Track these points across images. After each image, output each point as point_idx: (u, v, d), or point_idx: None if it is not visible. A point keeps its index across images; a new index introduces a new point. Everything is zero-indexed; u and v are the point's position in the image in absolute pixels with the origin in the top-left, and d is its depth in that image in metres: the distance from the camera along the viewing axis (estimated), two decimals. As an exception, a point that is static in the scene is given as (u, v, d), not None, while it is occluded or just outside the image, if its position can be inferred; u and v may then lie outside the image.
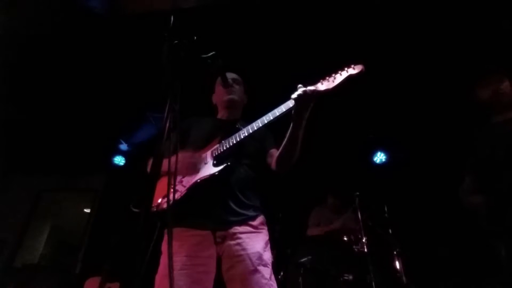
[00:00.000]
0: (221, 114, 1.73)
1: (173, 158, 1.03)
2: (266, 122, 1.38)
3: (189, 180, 1.38)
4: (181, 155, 1.43)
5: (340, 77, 1.29)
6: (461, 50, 3.08)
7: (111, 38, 3.17)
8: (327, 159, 4.22)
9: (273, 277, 1.30)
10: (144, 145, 4.66)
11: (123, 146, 4.88)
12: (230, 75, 1.68)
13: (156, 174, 0.85)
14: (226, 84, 1.62)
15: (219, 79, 1.70)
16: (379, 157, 4.44)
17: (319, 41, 3.15)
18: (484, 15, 2.82)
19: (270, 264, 1.33)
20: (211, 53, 1.24)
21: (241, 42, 3.08)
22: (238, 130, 1.45)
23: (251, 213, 1.41)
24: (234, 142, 1.42)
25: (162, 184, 1.24)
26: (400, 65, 3.32)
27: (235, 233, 1.32)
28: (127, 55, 3.33)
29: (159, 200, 1.30)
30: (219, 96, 1.72)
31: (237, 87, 1.72)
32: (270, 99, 1.42)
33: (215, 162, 1.41)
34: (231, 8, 2.87)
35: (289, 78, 1.49)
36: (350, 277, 2.62)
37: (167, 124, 0.91)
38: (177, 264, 1.23)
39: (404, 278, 2.73)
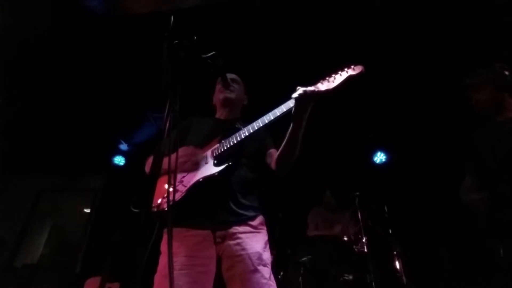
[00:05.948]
0: (220, 114, 1.74)
1: (173, 156, 1.03)
2: (266, 122, 1.37)
3: (189, 180, 1.38)
4: (183, 150, 1.43)
5: (340, 77, 1.29)
6: (462, 50, 3.08)
7: (111, 38, 3.17)
8: (327, 159, 4.23)
9: (272, 277, 1.30)
10: (144, 145, 4.66)
11: (123, 146, 4.89)
12: (230, 76, 1.68)
13: (156, 174, 0.84)
14: (225, 83, 1.63)
15: (218, 79, 1.72)
16: (379, 157, 4.45)
17: (319, 41, 3.15)
18: (485, 15, 2.82)
19: (270, 264, 1.33)
20: (211, 53, 1.24)
21: (241, 42, 3.09)
22: (238, 130, 1.44)
23: (250, 213, 1.41)
24: (235, 141, 1.41)
25: (162, 183, 1.24)
26: (400, 65, 3.32)
27: (234, 233, 1.32)
28: (127, 55, 3.33)
29: (159, 200, 1.29)
30: (218, 95, 1.74)
31: (236, 86, 1.72)
32: (270, 100, 1.42)
33: (215, 162, 1.41)
34: (231, 8, 2.87)
35: (289, 79, 1.50)
36: (350, 277, 2.62)
37: (167, 124, 0.91)
38: (176, 264, 1.23)
39: (404, 278, 2.74)
